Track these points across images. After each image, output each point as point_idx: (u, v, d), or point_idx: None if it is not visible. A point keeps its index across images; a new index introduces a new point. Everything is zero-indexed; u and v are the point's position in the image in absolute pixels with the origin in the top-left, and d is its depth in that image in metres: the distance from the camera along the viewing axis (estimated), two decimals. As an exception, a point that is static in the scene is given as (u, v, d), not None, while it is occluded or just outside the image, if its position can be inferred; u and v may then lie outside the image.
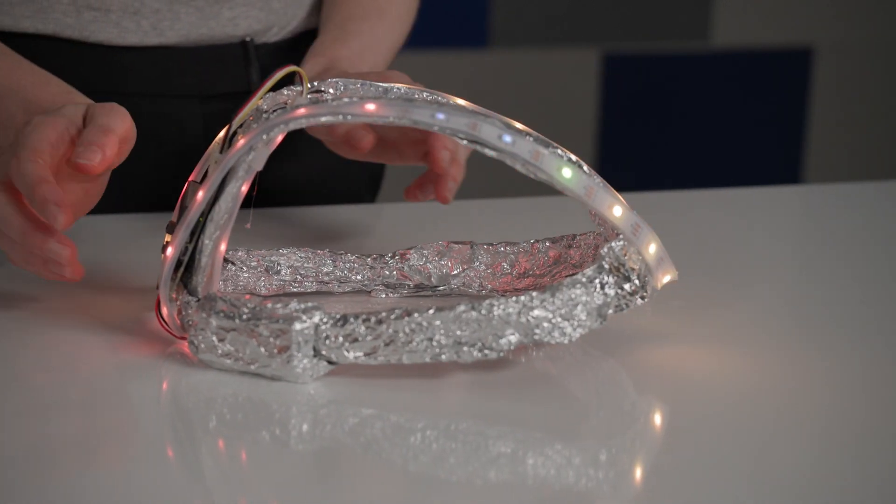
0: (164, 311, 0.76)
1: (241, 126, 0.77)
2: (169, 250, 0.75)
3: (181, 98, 1.07)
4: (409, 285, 0.87)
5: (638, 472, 0.66)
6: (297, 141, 1.02)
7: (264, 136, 0.73)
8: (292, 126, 0.73)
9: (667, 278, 0.77)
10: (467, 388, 0.72)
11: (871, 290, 0.93)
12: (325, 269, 0.86)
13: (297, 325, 0.71)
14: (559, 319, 0.71)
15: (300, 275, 0.86)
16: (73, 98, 0.85)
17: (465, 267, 0.87)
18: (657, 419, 0.72)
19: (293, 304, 0.72)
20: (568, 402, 0.73)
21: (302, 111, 0.73)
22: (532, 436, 0.68)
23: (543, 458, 0.65)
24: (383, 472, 0.65)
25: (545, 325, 0.71)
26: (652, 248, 0.76)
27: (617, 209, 0.74)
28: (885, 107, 2.66)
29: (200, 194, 0.74)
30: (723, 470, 0.65)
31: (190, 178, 0.78)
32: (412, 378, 0.73)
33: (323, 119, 0.73)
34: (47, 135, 0.77)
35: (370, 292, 0.87)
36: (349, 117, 0.72)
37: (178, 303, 0.75)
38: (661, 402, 0.73)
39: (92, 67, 0.98)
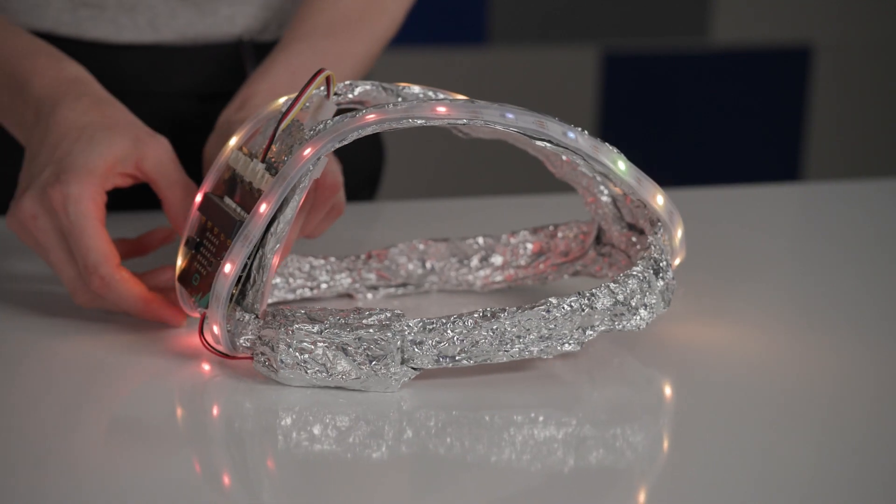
0: (216, 330, 0.73)
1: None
2: (227, 267, 0.72)
3: (179, 97, 1.06)
4: (390, 285, 0.86)
5: (651, 451, 0.66)
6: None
7: (336, 144, 0.72)
8: (366, 132, 0.72)
9: (677, 261, 0.81)
10: (477, 386, 0.73)
11: (870, 288, 0.93)
12: (301, 274, 0.85)
13: (390, 334, 0.69)
14: (635, 305, 0.73)
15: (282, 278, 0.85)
16: (64, 68, 0.83)
17: (444, 263, 0.87)
18: (664, 410, 0.72)
19: (377, 313, 0.71)
20: (575, 391, 0.73)
21: (372, 116, 0.72)
22: (550, 417, 0.69)
23: (561, 438, 0.67)
24: (466, 468, 0.65)
25: (625, 313, 0.73)
26: (679, 233, 0.80)
27: (659, 198, 0.78)
28: (884, 105, 2.66)
29: (264, 208, 0.71)
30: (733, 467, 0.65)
31: (203, 190, 0.77)
32: (420, 379, 0.73)
33: (395, 124, 0.72)
34: (102, 236, 0.77)
35: (351, 295, 0.86)
36: (420, 121, 0.72)
37: (230, 321, 0.73)
38: (669, 396, 0.74)
39: (89, 66, 0.97)
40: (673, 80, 2.56)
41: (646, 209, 0.80)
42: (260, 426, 0.69)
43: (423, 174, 2.41)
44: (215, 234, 0.75)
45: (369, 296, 0.86)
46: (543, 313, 0.71)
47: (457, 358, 0.70)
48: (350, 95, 0.79)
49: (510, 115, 0.73)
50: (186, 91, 1.06)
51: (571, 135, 0.74)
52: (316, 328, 0.70)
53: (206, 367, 0.75)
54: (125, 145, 0.79)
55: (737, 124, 2.61)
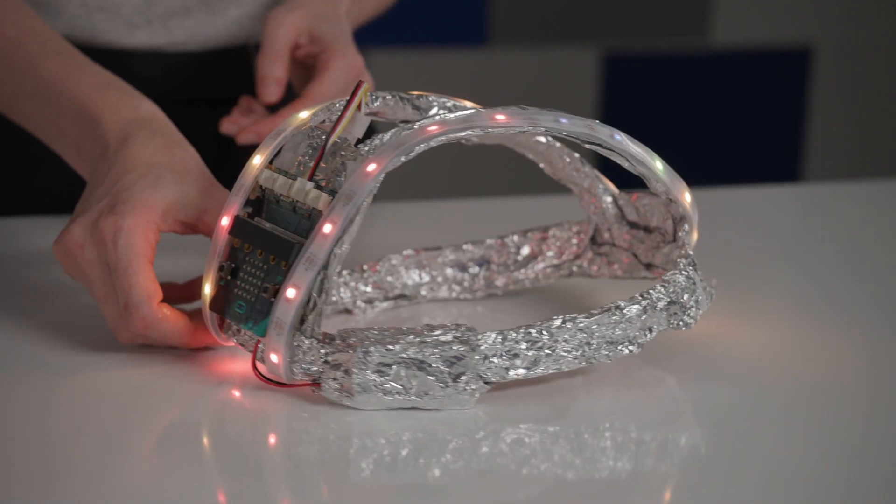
0: (276, 358, 0.70)
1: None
2: (291, 292, 0.68)
3: (190, 104, 1.06)
4: (388, 297, 0.85)
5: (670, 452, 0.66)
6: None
7: (402, 158, 0.70)
8: (432, 144, 0.71)
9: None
10: (542, 396, 0.72)
11: (871, 288, 0.93)
12: None
13: (470, 349, 0.68)
14: (685, 304, 0.74)
15: None
16: (137, 107, 0.81)
17: (437, 272, 0.86)
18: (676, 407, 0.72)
19: (451, 329, 0.69)
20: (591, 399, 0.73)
21: (435, 128, 0.71)
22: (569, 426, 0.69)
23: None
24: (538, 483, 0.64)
25: (678, 312, 0.74)
26: (696, 230, 0.81)
27: (687, 195, 0.79)
28: (884, 106, 2.66)
29: (329, 228, 0.68)
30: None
31: (232, 212, 0.73)
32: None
33: (461, 134, 0.71)
34: (147, 274, 0.74)
35: (350, 310, 0.85)
36: (488, 130, 0.72)
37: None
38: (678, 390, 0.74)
39: None
40: (673, 81, 2.56)
41: (667, 208, 0.81)
42: (330, 454, 0.66)
43: (416, 175, 2.41)
44: (260, 256, 0.71)
45: (369, 312, 0.85)
46: (614, 318, 0.71)
47: (530, 369, 0.70)
48: (371, 106, 0.77)
49: (564, 121, 0.73)
50: (196, 97, 1.06)
51: (618, 137, 0.75)
52: (396, 348, 0.68)
53: (237, 393, 0.72)
54: (191, 193, 0.76)
55: (737, 125, 2.60)
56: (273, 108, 0.99)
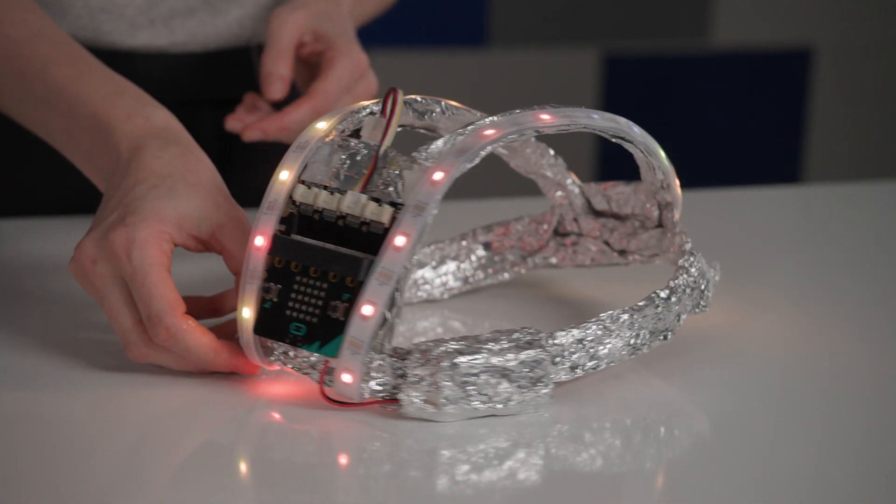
0: (350, 379, 0.67)
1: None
2: (368, 309, 0.66)
3: (193, 106, 1.06)
4: None
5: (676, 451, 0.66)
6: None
7: (468, 165, 0.69)
8: (493, 148, 0.70)
9: None
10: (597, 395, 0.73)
11: (871, 290, 0.93)
12: None
13: (545, 354, 0.68)
14: (701, 287, 0.76)
15: None
16: (150, 115, 0.78)
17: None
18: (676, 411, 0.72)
19: (520, 333, 0.69)
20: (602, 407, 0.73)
21: (492, 132, 0.70)
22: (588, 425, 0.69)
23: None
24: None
25: (696, 297, 0.75)
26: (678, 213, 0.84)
27: (677, 181, 0.82)
28: (885, 107, 2.66)
29: (402, 241, 0.67)
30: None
31: (268, 231, 0.70)
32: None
33: (516, 136, 0.71)
34: (167, 284, 0.70)
35: None
36: (539, 130, 0.72)
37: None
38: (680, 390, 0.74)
39: None
40: (673, 82, 2.56)
41: (651, 196, 0.82)
42: (412, 467, 0.65)
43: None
44: (314, 275, 0.68)
45: None
46: (658, 308, 0.72)
47: (595, 366, 0.70)
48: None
49: (595, 116, 0.75)
50: (199, 98, 1.06)
51: (636, 129, 0.77)
52: (480, 358, 0.67)
53: (277, 415, 0.70)
54: (205, 208, 0.73)
55: (737, 126, 2.60)
56: (277, 106, 0.99)
